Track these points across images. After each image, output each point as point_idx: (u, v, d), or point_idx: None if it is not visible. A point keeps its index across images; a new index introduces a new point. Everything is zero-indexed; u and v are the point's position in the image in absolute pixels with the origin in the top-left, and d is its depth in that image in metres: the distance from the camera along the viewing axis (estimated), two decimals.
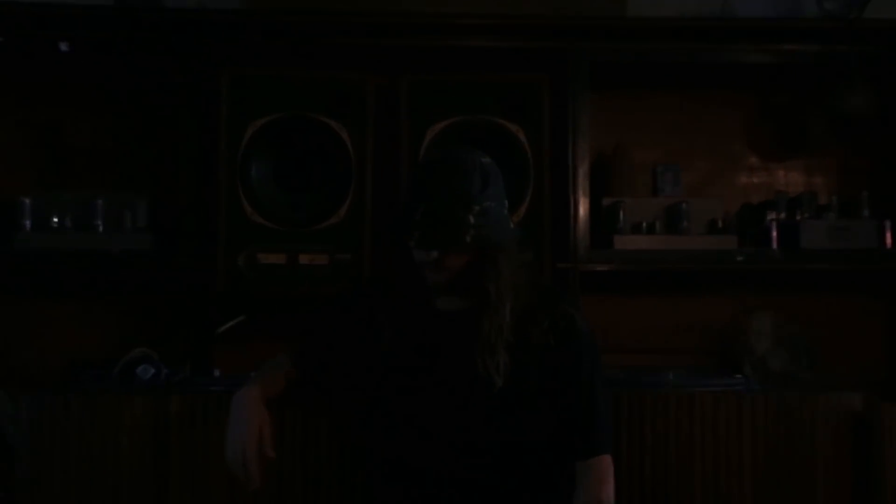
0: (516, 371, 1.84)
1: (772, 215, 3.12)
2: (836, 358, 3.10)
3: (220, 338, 2.94)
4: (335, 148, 2.89)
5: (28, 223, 2.92)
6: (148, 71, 3.06)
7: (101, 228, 2.93)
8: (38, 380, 2.95)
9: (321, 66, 2.90)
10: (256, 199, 2.87)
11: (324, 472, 2.16)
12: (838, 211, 3.10)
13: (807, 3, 3.20)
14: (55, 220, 2.93)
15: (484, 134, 2.88)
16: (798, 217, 3.10)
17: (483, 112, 2.91)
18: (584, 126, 2.99)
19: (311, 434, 2.18)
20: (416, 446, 1.88)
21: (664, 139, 3.38)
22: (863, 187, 3.18)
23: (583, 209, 2.98)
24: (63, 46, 2.88)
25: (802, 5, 3.24)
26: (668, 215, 3.15)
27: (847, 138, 3.31)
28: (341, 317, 2.04)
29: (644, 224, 3.13)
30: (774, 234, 3.07)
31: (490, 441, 1.84)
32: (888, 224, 3.04)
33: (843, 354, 3.12)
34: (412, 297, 1.93)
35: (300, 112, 2.89)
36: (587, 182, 2.99)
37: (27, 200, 2.92)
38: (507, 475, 1.85)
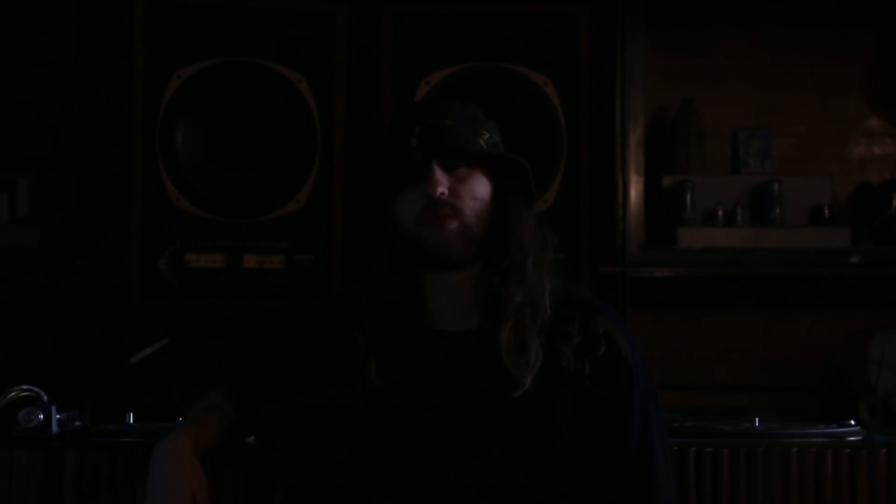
0: (542, 405, 1.87)
1: None
2: None
3: (134, 369, 2.96)
4: (292, 107, 2.91)
5: None
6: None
7: None
8: None
9: None
10: (183, 177, 2.89)
11: None
12: None
13: None
14: None
15: (499, 87, 2.90)
16: None
17: (497, 57, 2.93)
18: (637, 76, 3.01)
19: (259, 501, 2.20)
20: None
21: (748, 94, 3.40)
22: None
23: (635, 192, 3.00)
24: None
25: None
26: (753, 200, 3.17)
27: None
28: (302, 342, 2.06)
29: (720, 212, 3.14)
30: None
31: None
32: None
33: None
34: (401, 312, 1.95)
35: (243, 57, 2.91)
36: (641, 154, 3.01)
37: None
38: None
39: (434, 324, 1.96)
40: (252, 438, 2.14)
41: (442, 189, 1.89)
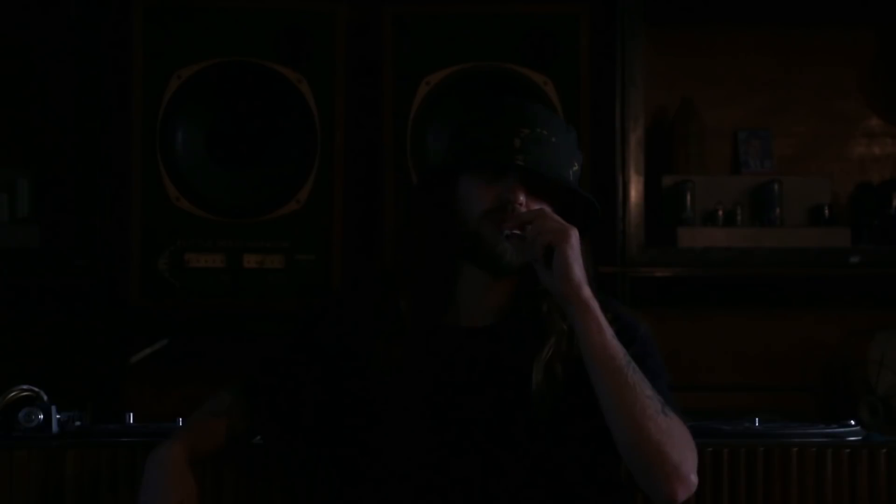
0: (569, 396, 1.88)
1: None
2: None
3: (134, 370, 2.96)
4: (292, 107, 2.92)
5: None
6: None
7: None
8: None
9: None
10: (183, 177, 2.89)
11: None
12: None
13: None
14: None
15: (499, 87, 2.90)
16: None
17: (498, 57, 2.93)
18: (637, 76, 3.01)
19: (259, 501, 2.19)
20: None
21: (748, 94, 3.40)
22: None
23: (635, 191, 3.00)
24: None
25: None
26: (754, 200, 3.17)
27: None
28: (311, 338, 2.06)
29: (721, 212, 3.14)
30: None
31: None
32: None
33: None
34: (424, 306, 1.95)
35: (243, 57, 2.91)
36: (641, 154, 3.01)
37: None
38: None
39: (455, 318, 1.96)
40: (257, 439, 2.14)
41: (522, 200, 1.89)
